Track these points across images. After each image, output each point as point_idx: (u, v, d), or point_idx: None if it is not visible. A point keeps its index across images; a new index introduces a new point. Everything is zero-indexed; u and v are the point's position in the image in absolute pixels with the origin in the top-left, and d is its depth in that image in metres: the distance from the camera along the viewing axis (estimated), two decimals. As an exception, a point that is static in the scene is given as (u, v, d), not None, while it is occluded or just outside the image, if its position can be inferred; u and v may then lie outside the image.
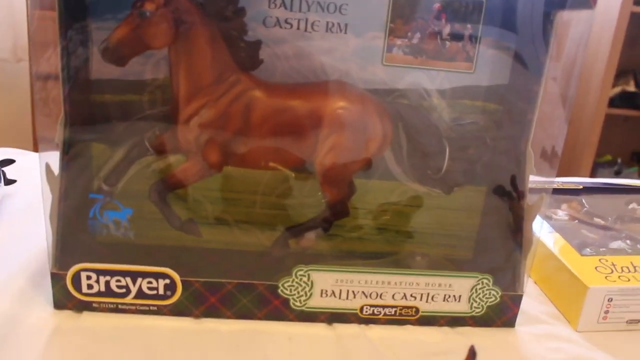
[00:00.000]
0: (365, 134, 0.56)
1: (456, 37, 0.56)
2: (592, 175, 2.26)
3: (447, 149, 0.58)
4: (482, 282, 0.59)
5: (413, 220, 0.60)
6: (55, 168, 0.54)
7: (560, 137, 0.60)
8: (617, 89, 2.14)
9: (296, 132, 0.55)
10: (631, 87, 2.13)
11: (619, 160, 2.42)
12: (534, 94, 0.58)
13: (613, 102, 2.13)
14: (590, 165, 2.20)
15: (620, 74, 2.12)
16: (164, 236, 0.57)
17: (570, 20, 0.57)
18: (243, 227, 0.59)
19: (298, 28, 0.54)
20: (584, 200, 0.82)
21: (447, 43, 0.56)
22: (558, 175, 1.01)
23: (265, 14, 0.53)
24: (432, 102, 0.57)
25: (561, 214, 0.78)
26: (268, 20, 0.53)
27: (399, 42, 0.56)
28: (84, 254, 0.56)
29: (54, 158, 0.54)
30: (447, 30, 0.56)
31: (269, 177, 0.58)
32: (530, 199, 0.60)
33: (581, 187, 0.85)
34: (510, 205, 0.61)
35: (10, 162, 0.76)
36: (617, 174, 2.30)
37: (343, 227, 0.59)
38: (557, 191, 0.84)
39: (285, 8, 0.53)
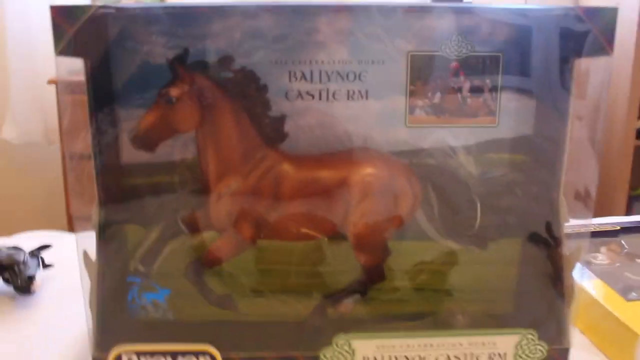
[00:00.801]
0: (394, 197, 0.56)
1: (476, 92, 0.56)
2: (629, 210, 2.21)
3: (478, 204, 0.58)
4: (527, 338, 0.57)
5: (450, 278, 0.59)
6: (92, 252, 0.55)
7: (593, 177, 0.59)
8: (644, 121, 2.11)
9: (326, 202, 0.55)
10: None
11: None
12: (561, 140, 0.57)
13: (640, 135, 2.10)
14: (626, 200, 2.15)
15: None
16: (202, 313, 0.56)
17: (589, 66, 0.57)
18: (280, 298, 0.58)
19: (320, 98, 0.54)
20: (623, 242, 0.80)
21: (468, 99, 0.56)
22: (594, 216, 0.99)
23: (287, 87, 0.54)
24: (459, 159, 0.57)
25: (601, 257, 0.76)
26: (290, 94, 0.54)
27: (420, 103, 0.56)
28: (124, 336, 0.55)
29: (90, 239, 0.55)
30: (466, 86, 0.56)
31: (302, 246, 0.57)
32: (568, 246, 0.59)
33: (619, 227, 0.83)
34: (548, 254, 0.59)
35: (46, 247, 0.78)
36: (654, 206, 2.25)
37: (380, 290, 0.58)
38: (594, 234, 0.82)
39: (306, 80, 0.54)
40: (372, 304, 0.59)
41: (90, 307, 0.55)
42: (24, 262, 0.70)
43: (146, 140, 0.52)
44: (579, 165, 0.59)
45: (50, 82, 2.05)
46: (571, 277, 0.59)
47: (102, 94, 0.54)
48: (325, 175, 0.55)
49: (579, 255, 0.58)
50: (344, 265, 0.58)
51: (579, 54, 0.54)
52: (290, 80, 0.54)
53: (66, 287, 0.72)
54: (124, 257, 0.56)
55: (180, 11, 0.53)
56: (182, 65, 0.52)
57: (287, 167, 0.54)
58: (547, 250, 0.59)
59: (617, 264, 0.74)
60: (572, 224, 0.60)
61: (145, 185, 0.56)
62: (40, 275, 0.73)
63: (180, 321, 0.57)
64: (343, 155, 0.55)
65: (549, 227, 0.59)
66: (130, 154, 0.55)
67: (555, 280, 0.59)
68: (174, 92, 0.52)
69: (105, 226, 0.56)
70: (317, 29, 0.54)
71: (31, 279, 0.69)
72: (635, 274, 0.71)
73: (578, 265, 0.57)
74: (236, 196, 0.54)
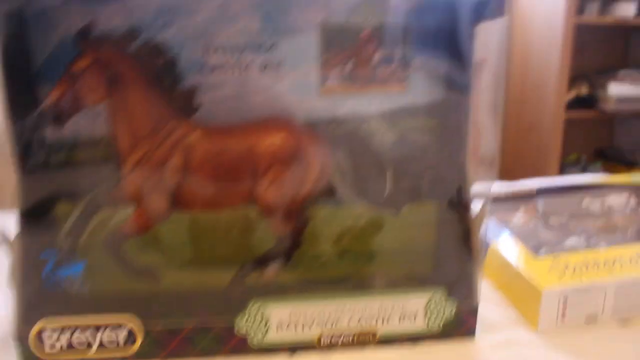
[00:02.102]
0: (301, 166, 0.53)
1: (387, 61, 0.53)
2: (562, 175, 2.23)
3: (391, 170, 0.55)
4: (436, 297, 0.55)
5: (372, 241, 0.56)
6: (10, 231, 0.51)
7: (494, 142, 0.57)
8: (572, 94, 2.12)
9: (234, 172, 0.52)
10: (584, 91, 2.11)
11: (584, 158, 2.39)
12: (467, 106, 0.55)
13: (571, 106, 2.11)
14: (558, 166, 2.17)
15: (575, 79, 2.11)
16: (120, 286, 0.53)
17: (488, 31, 0.55)
18: (202, 268, 0.55)
19: (234, 71, 0.51)
20: (539, 203, 0.79)
21: (379, 68, 0.53)
22: (528, 177, 0.98)
23: (202, 61, 0.50)
24: (372, 126, 0.54)
25: (517, 218, 0.75)
26: (205, 67, 0.51)
27: (333, 72, 0.53)
28: (45, 311, 0.52)
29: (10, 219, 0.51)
30: (377, 55, 0.53)
31: (226, 216, 0.54)
32: (475, 209, 0.57)
33: (535, 191, 0.82)
34: (459, 217, 0.57)
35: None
36: (584, 171, 2.27)
37: (303, 256, 0.56)
38: (511, 198, 0.80)
39: (220, 53, 0.51)
40: (296, 271, 0.56)
41: (10, 284, 0.51)
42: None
43: (54, 115, 0.48)
44: (483, 132, 0.56)
45: None
46: (478, 238, 0.56)
47: (20, 72, 0.49)
48: (234, 145, 0.51)
49: (483, 215, 0.56)
50: (266, 233, 0.55)
51: (479, 19, 0.51)
52: (204, 54, 0.50)
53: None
54: (47, 235, 0.52)
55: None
56: (86, 38, 0.47)
57: (197, 138, 0.51)
58: (459, 214, 0.57)
59: (532, 224, 0.72)
60: (481, 187, 0.57)
61: (70, 161, 0.52)
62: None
63: (98, 294, 0.53)
64: (252, 125, 0.52)
65: (459, 191, 0.57)
66: (54, 133, 0.51)
67: (466, 240, 0.57)
68: (77, 66, 0.48)
69: (27, 203, 0.51)
70: (228, 2, 0.50)
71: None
72: (548, 232, 0.70)
73: (494, 226, 0.55)
74: (147, 168, 0.50)
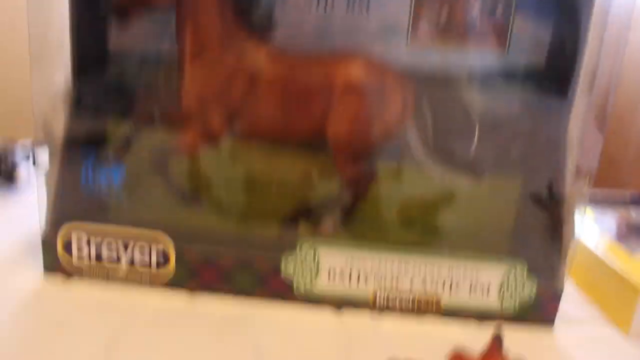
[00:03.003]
0: (381, 101, 0.45)
1: (487, 14, 0.45)
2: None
3: (477, 129, 0.47)
4: (515, 271, 0.46)
5: (442, 214, 0.48)
6: (57, 129, 0.46)
7: (595, 156, 0.47)
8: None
9: (307, 96, 0.45)
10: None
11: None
12: (574, 77, 0.46)
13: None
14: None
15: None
16: (158, 203, 0.47)
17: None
18: (256, 210, 0.49)
19: (317, 9, 0.45)
20: (632, 210, 0.68)
21: (478, 21, 0.46)
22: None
23: None
24: (463, 83, 0.46)
25: (609, 220, 0.64)
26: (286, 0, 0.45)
27: (425, 20, 0.46)
28: (76, 216, 0.46)
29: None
30: (477, 6, 0.46)
31: (286, 156, 0.48)
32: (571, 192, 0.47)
33: (628, 196, 0.71)
34: (550, 202, 0.48)
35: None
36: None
37: (364, 217, 0.48)
38: (602, 201, 0.69)
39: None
40: (353, 230, 0.49)
41: (46, 183, 0.46)
42: (12, 151, 0.62)
43: (121, 11, 0.44)
44: (584, 143, 0.47)
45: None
46: (569, 225, 0.46)
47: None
48: (308, 70, 0.45)
49: (576, 205, 0.46)
50: (326, 186, 0.48)
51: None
52: None
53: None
54: (96, 142, 0.47)
55: None
56: None
57: (267, 58, 0.45)
58: (548, 200, 0.47)
59: (625, 229, 0.62)
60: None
61: (129, 75, 0.47)
62: (29, 168, 0.64)
63: (135, 207, 0.47)
64: (331, 55, 0.45)
65: (550, 186, 0.47)
66: (117, 43, 0.46)
67: (554, 226, 0.48)
68: None
69: (78, 109, 0.46)
70: None
71: (14, 166, 0.60)
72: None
73: (585, 223, 0.46)
74: (210, 80, 0.45)
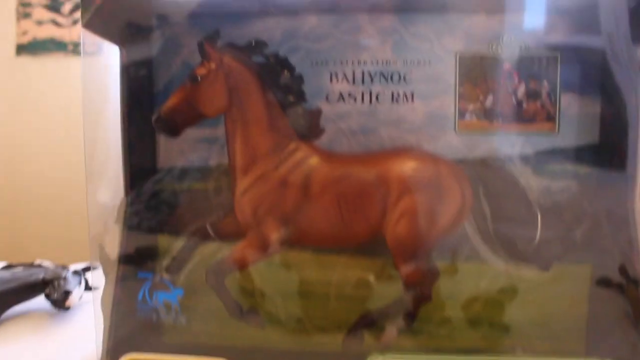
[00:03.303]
0: (440, 196, 0.44)
1: (533, 95, 0.45)
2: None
3: (539, 215, 0.45)
4: (602, 373, 0.42)
5: (508, 310, 0.45)
6: (111, 250, 0.45)
7: None
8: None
9: (362, 199, 0.44)
10: None
11: None
12: (630, 149, 0.44)
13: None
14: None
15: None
16: (220, 323, 0.45)
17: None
18: (315, 323, 0.46)
19: (362, 101, 0.45)
20: None
21: (524, 103, 0.45)
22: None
23: (328, 89, 0.45)
24: (517, 168, 0.45)
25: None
26: (331, 96, 0.45)
27: (471, 106, 0.45)
28: (135, 343, 0.44)
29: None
30: (521, 89, 0.45)
31: (343, 264, 0.46)
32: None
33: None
34: (625, 288, 0.45)
35: (93, 268, 0.69)
36: None
37: (428, 320, 0.46)
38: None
39: (348, 82, 0.45)
40: (419, 337, 0.46)
41: (102, 307, 0.45)
42: (65, 278, 0.62)
43: (169, 123, 0.44)
44: None
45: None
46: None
47: (140, 93, 0.46)
48: (362, 169, 0.44)
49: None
50: (389, 288, 0.46)
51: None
52: (331, 81, 0.46)
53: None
54: (150, 262, 0.46)
55: (222, 10, 0.46)
56: (212, 45, 0.43)
57: (319, 161, 0.44)
58: (623, 284, 0.44)
59: None
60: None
61: (179, 191, 0.46)
62: (80, 293, 0.64)
63: (194, 331, 0.45)
64: (384, 151, 0.44)
65: (623, 267, 0.45)
66: (166, 159, 0.46)
67: (635, 309, 0.44)
68: (200, 70, 0.44)
69: (131, 228, 0.46)
70: (359, 27, 0.45)
71: (67, 293, 0.60)
72: None
73: None
74: (263, 189, 0.44)
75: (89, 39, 0.46)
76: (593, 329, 0.45)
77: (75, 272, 0.66)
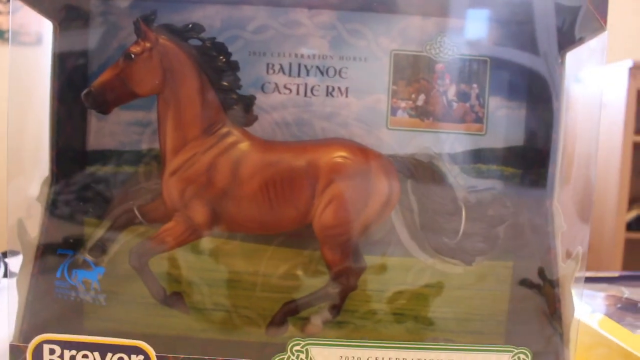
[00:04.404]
0: (368, 186, 0.45)
1: (463, 97, 0.46)
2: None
3: (464, 210, 0.46)
4: (519, 358, 0.43)
5: (433, 304, 0.47)
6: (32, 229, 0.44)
7: (585, 238, 0.47)
8: (633, 213, 1.99)
9: (291, 185, 0.45)
10: (646, 211, 1.98)
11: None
12: (553, 152, 0.47)
13: (630, 227, 1.97)
14: (617, 290, 1.98)
15: (634, 200, 1.99)
16: (142, 308, 0.44)
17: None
18: (241, 312, 0.46)
19: (297, 93, 0.45)
20: (623, 288, 0.67)
21: (454, 104, 0.47)
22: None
23: (264, 79, 0.46)
24: (444, 166, 0.46)
25: (601, 300, 0.62)
26: (266, 86, 0.46)
27: (403, 104, 0.47)
28: (49, 324, 0.43)
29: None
30: (452, 90, 0.47)
31: (270, 254, 0.46)
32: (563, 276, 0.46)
33: (617, 274, 0.70)
34: (543, 287, 0.47)
35: (14, 253, 0.66)
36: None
37: (354, 312, 0.47)
38: (592, 280, 0.68)
39: (284, 73, 0.46)
40: (345, 329, 0.47)
41: (17, 286, 0.43)
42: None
43: (99, 98, 0.44)
44: (570, 227, 0.47)
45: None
46: (569, 305, 0.46)
47: (73, 73, 0.45)
48: (292, 156, 0.45)
49: (572, 276, 0.45)
50: (315, 279, 0.46)
51: (572, 39, 0.44)
52: (267, 72, 0.46)
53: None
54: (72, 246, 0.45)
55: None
56: (148, 24, 0.43)
57: (250, 147, 0.45)
58: (542, 284, 0.46)
59: (619, 306, 0.60)
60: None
61: (108, 173, 0.46)
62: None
63: (113, 311, 0.44)
64: (315, 141, 0.45)
65: (542, 271, 0.47)
66: (96, 141, 0.45)
67: (551, 307, 0.46)
68: (135, 48, 0.44)
69: (55, 208, 0.45)
70: (299, 21, 0.45)
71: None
72: (637, 317, 0.57)
73: (580, 304, 0.45)
74: (192, 172, 0.44)
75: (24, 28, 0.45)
76: (513, 324, 0.47)
77: (-2, 258, 0.63)
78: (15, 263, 0.66)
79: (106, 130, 0.46)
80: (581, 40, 0.45)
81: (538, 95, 0.47)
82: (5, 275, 0.64)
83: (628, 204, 1.92)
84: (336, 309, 0.46)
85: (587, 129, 0.48)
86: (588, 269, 0.47)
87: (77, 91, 0.44)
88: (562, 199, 0.47)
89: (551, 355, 0.45)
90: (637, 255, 2.04)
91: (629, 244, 1.95)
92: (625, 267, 1.95)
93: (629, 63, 1.81)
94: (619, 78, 1.83)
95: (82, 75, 0.46)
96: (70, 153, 0.46)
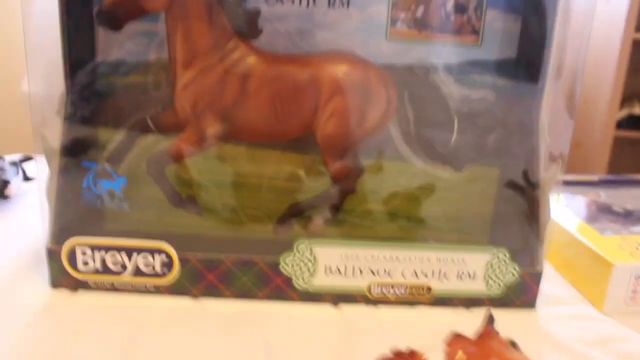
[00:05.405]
0: (368, 99, 0.48)
1: (461, 9, 0.48)
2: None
3: (456, 121, 0.50)
4: (498, 257, 0.50)
5: (424, 205, 0.52)
6: (53, 141, 0.48)
7: (567, 140, 0.51)
8: (624, 112, 2.02)
9: (295, 98, 0.48)
10: (637, 110, 2.01)
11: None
12: (543, 66, 0.49)
13: (620, 125, 2.00)
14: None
15: (626, 99, 2.01)
16: (161, 211, 0.49)
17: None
18: (248, 213, 0.51)
19: (300, 4, 0.47)
20: (600, 191, 0.72)
21: (452, 16, 0.49)
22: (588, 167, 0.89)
23: None
24: (440, 76, 0.49)
25: (579, 201, 0.68)
26: None
27: (402, 15, 0.48)
28: (80, 228, 0.49)
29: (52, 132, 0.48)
30: (450, 2, 0.48)
31: (276, 159, 0.50)
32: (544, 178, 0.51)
33: (597, 179, 0.75)
34: (525, 190, 0.52)
35: (29, 159, 0.70)
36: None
37: (352, 211, 0.51)
38: (572, 184, 0.74)
39: (287, -16, 0.47)
40: (343, 226, 0.52)
41: (47, 195, 0.48)
42: (2, 168, 0.63)
43: (111, 16, 0.45)
44: (555, 127, 0.51)
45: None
46: (546, 208, 0.51)
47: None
48: (296, 70, 0.47)
49: (549, 189, 0.50)
50: (317, 182, 0.50)
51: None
52: None
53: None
54: (92, 152, 0.48)
55: None
56: None
57: (256, 61, 0.47)
58: (524, 186, 0.51)
59: (594, 209, 0.66)
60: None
61: (118, 84, 0.48)
62: (19, 183, 0.66)
63: (137, 216, 0.49)
64: (317, 54, 0.48)
65: (526, 173, 0.51)
66: (105, 50, 0.47)
67: (531, 213, 0.51)
68: None
69: (72, 119, 0.48)
70: None
71: (6, 183, 0.62)
72: (611, 217, 0.63)
73: (556, 205, 0.50)
74: (202, 86, 0.47)
75: None
76: (496, 224, 0.52)
77: (13, 163, 0.67)
78: (30, 168, 0.70)
79: (114, 40, 0.48)
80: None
81: (533, 7, 0.49)
82: (25, 179, 0.68)
83: (621, 103, 1.94)
84: (336, 208, 0.51)
85: (582, 22, 0.50)
86: (575, 164, 0.51)
87: (84, 3, 0.46)
88: (551, 93, 0.50)
89: (527, 253, 0.51)
90: (624, 154, 2.10)
91: (618, 142, 2.00)
92: (611, 165, 2.01)
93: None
94: (624, -29, 1.79)
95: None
96: (81, 64, 0.49)
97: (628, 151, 2.14)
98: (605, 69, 1.91)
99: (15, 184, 0.64)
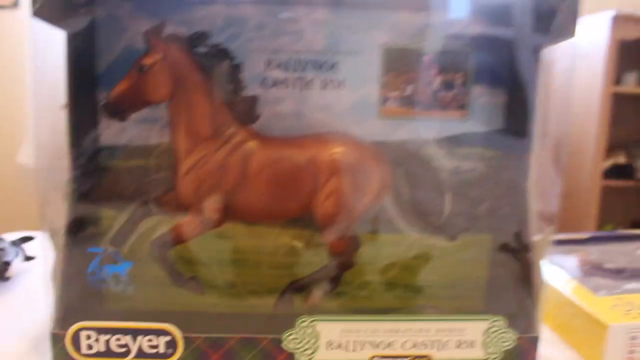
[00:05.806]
0: (364, 177, 0.51)
1: (448, 86, 0.52)
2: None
3: (448, 193, 0.52)
4: (496, 325, 0.51)
5: (421, 274, 0.54)
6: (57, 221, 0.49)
7: (556, 199, 0.54)
8: (609, 162, 2.08)
9: (294, 180, 0.50)
10: (622, 160, 2.07)
11: (621, 229, 2.31)
12: (529, 134, 0.52)
13: (607, 175, 2.06)
14: (593, 236, 2.09)
15: (611, 149, 2.07)
16: (165, 293, 0.50)
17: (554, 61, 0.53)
18: (249, 288, 0.52)
19: (295, 87, 0.50)
20: (591, 249, 0.74)
21: (440, 93, 0.52)
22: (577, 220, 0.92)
23: (263, 75, 0.50)
24: (431, 151, 0.52)
25: (570, 261, 0.70)
26: (266, 81, 0.50)
27: (393, 94, 0.51)
28: (84, 312, 0.50)
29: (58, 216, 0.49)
30: (438, 80, 0.52)
31: (274, 238, 0.52)
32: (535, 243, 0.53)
33: (586, 237, 0.78)
34: (518, 255, 0.54)
35: (29, 239, 0.72)
36: (620, 243, 2.18)
37: (350, 284, 0.53)
38: (562, 242, 0.76)
39: (282, 69, 0.50)
40: (342, 298, 0.53)
41: (53, 280, 0.49)
42: (2, 249, 0.64)
43: (117, 108, 0.49)
44: (543, 187, 0.54)
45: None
46: (538, 274, 0.53)
47: (83, 74, 0.49)
48: (294, 153, 0.50)
49: (543, 254, 0.52)
50: (316, 257, 0.53)
51: (545, 41, 0.50)
52: (266, 68, 0.49)
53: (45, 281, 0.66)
54: (96, 235, 0.50)
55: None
56: (157, 36, 0.47)
57: (256, 145, 0.50)
58: (517, 252, 0.53)
59: (586, 268, 0.68)
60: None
61: (122, 168, 0.50)
62: (19, 264, 0.67)
63: (142, 299, 0.51)
64: (313, 136, 0.51)
65: (518, 235, 0.53)
66: (108, 137, 0.50)
67: (525, 278, 0.53)
68: (146, 60, 0.48)
69: (78, 203, 0.50)
70: (295, 18, 0.49)
71: (7, 264, 0.63)
72: (603, 276, 0.65)
73: (550, 266, 0.52)
74: (204, 171, 0.49)
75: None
76: (492, 290, 0.54)
77: (13, 243, 0.68)
78: (30, 248, 0.72)
79: (117, 127, 0.51)
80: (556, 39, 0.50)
81: (517, 81, 0.53)
82: (26, 259, 0.69)
83: (605, 153, 2.00)
84: (335, 281, 0.53)
85: (563, 84, 0.53)
86: (566, 214, 0.53)
87: (87, 92, 0.49)
88: (538, 157, 0.53)
89: (524, 318, 0.53)
90: (612, 202, 2.15)
91: (605, 191, 2.05)
92: (601, 213, 2.06)
93: (611, 13, 1.85)
94: (600, 28, 1.88)
95: (90, 76, 0.50)
96: (85, 150, 0.51)
97: (615, 199, 2.18)
98: (588, 122, 1.98)
99: (16, 265, 0.66)
